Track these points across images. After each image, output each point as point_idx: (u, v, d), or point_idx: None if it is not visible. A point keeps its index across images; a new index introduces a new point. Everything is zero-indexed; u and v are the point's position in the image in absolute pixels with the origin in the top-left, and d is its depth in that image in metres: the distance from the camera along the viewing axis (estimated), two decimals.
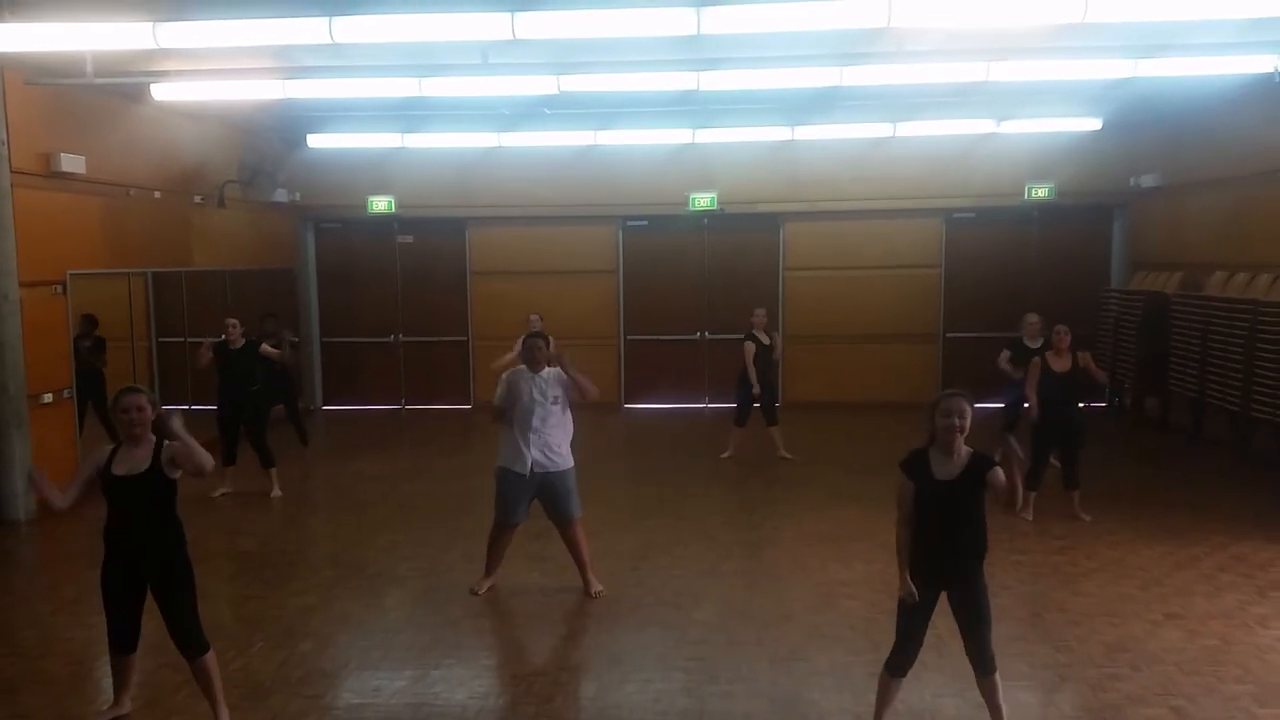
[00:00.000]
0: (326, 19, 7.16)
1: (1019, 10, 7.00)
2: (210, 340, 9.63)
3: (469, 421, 14.35)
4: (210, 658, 4.92)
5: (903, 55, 8.36)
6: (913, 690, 4.98)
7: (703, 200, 14.31)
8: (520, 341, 11.31)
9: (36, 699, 5.34)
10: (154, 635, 6.04)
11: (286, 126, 13.34)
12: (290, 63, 8.97)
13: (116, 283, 10.47)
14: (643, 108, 11.92)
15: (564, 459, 6.73)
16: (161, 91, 9.76)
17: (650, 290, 15.00)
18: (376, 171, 14.60)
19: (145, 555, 4.79)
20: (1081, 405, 8.73)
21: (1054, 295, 13.47)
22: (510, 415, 6.66)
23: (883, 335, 14.65)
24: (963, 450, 4.43)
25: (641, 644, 6.01)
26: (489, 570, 6.92)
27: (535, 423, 6.60)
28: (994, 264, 14.55)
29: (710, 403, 14.69)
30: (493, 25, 7.10)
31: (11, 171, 8.67)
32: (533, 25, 7.07)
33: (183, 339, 11.42)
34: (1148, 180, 13.46)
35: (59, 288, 9.47)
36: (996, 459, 4.40)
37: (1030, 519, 8.35)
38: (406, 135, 13.63)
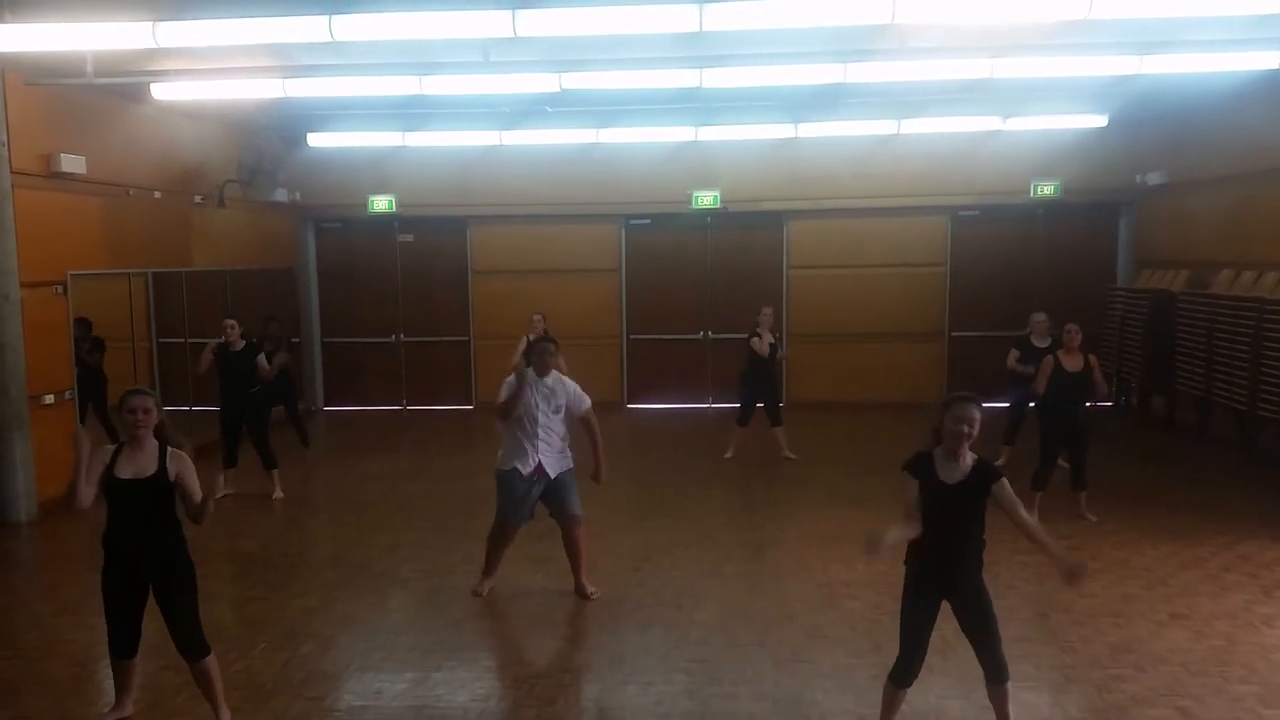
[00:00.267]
0: (326, 17, 7.13)
1: (1023, 6, 6.95)
2: (213, 342, 9.60)
3: (470, 422, 14.33)
4: (211, 660, 4.90)
5: (906, 52, 8.31)
6: (917, 692, 4.93)
7: (705, 198, 14.27)
8: (523, 342, 11.38)
9: (38, 701, 5.33)
10: (155, 637, 6.02)
11: (286, 125, 13.32)
12: (290, 61, 8.93)
13: (117, 283, 10.45)
14: (645, 105, 11.88)
15: (566, 459, 6.72)
16: (161, 91, 9.74)
17: (653, 289, 14.97)
18: (377, 170, 14.57)
19: (146, 558, 4.76)
20: (1087, 405, 8.68)
21: (1059, 293, 13.43)
22: (512, 415, 6.62)
23: (887, 334, 14.61)
24: (968, 455, 4.38)
25: (644, 645, 5.98)
26: (489, 571, 6.89)
27: (538, 428, 6.57)
28: (999, 262, 14.50)
29: (714, 402, 14.66)
30: (493, 23, 7.07)
31: (12, 172, 8.66)
32: (534, 22, 7.03)
33: (183, 339, 11.41)
34: (1154, 178, 13.41)
35: (60, 288, 9.45)
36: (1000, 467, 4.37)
37: (1035, 520, 8.31)
38: (407, 134, 13.60)
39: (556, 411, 6.64)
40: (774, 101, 11.78)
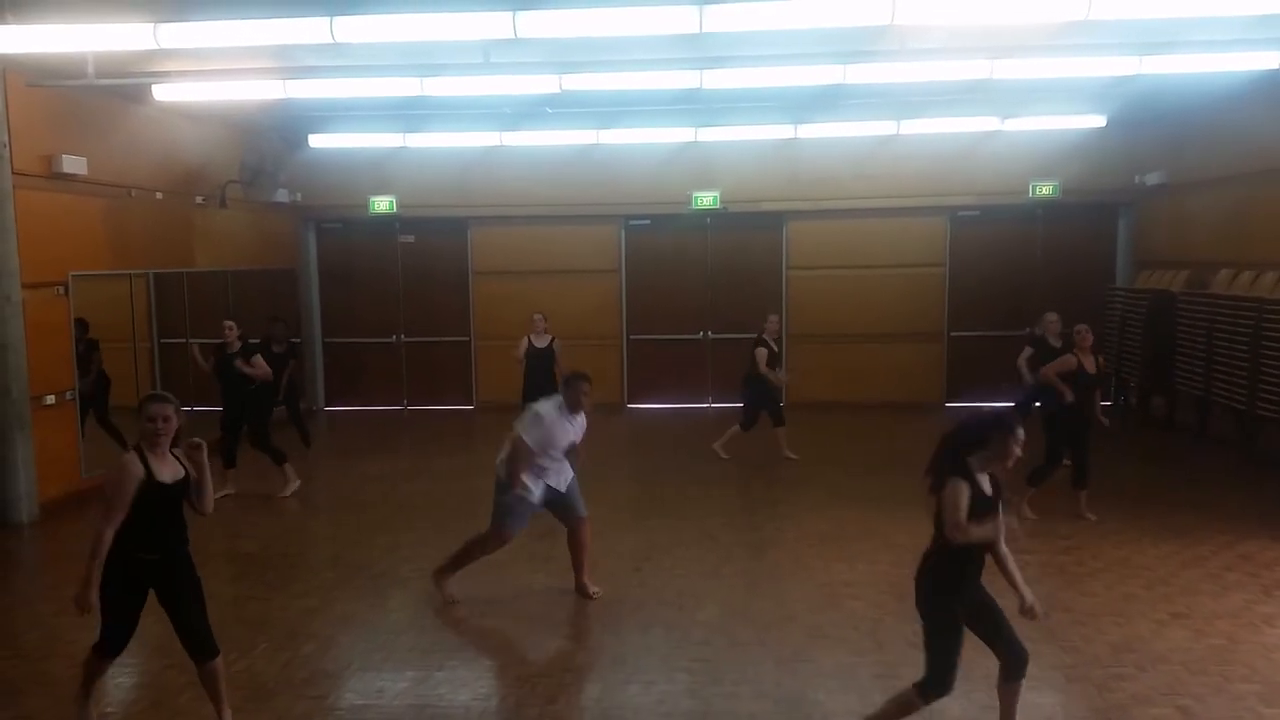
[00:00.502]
0: (328, 19, 7.14)
1: (1023, 7, 6.97)
2: (197, 344, 9.60)
3: (471, 422, 14.34)
4: (220, 661, 4.89)
5: (906, 53, 8.32)
6: None
7: (705, 199, 14.28)
8: (524, 342, 11.36)
9: (39, 701, 5.33)
10: (161, 636, 6.03)
11: (288, 126, 13.33)
12: (291, 63, 8.95)
13: (118, 284, 10.45)
14: (645, 106, 11.89)
15: (569, 469, 6.72)
16: (163, 92, 9.75)
17: (653, 290, 14.98)
18: (378, 171, 14.59)
19: (164, 560, 4.72)
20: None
21: (1059, 294, 13.43)
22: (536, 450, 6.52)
23: (887, 334, 14.61)
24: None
25: (645, 645, 5.99)
26: (453, 570, 6.77)
27: (559, 459, 6.60)
28: (999, 262, 14.52)
29: (714, 403, 14.67)
30: (494, 24, 7.08)
31: (13, 173, 8.66)
32: (534, 24, 7.05)
33: (185, 340, 11.41)
34: (1153, 178, 13.42)
35: (61, 289, 9.46)
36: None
37: (1034, 517, 8.34)
38: (408, 135, 13.62)
39: (573, 448, 6.68)
40: (774, 102, 11.79)
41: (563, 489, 6.65)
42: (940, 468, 4.35)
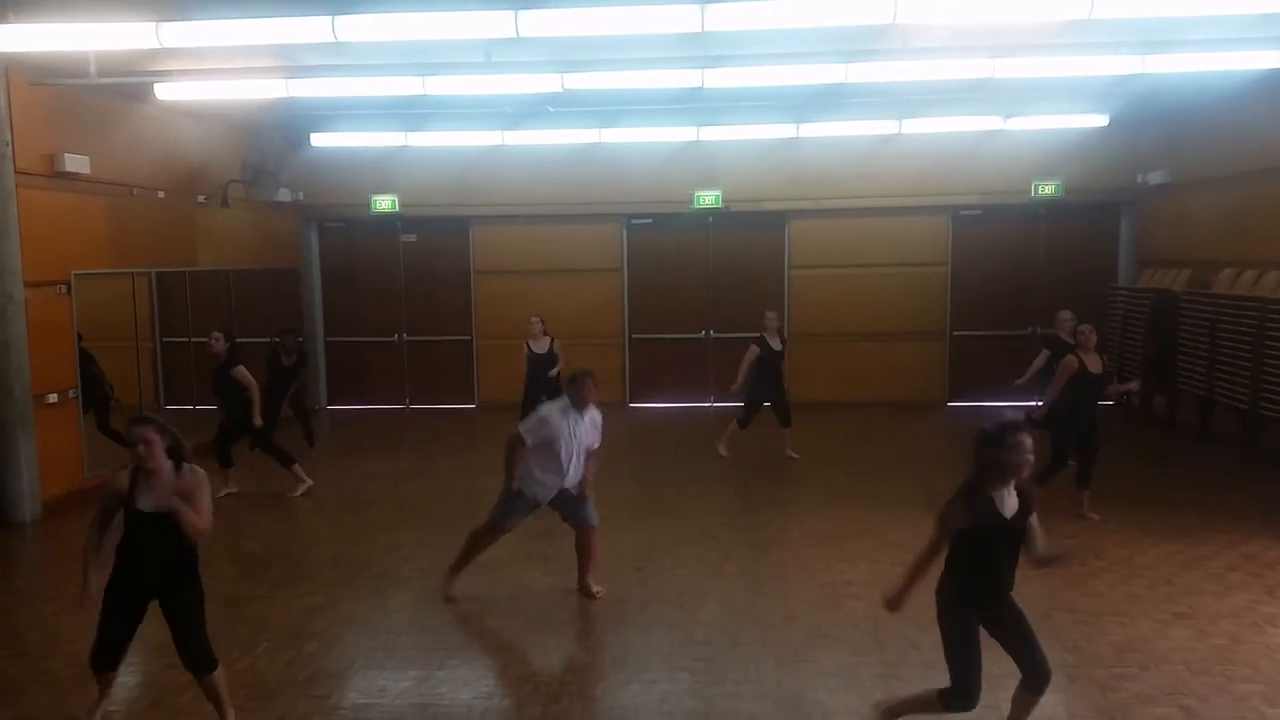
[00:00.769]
0: (329, 18, 7.15)
1: (1025, 6, 6.96)
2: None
3: (473, 421, 14.33)
4: (217, 674, 4.85)
5: (908, 52, 8.32)
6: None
7: (707, 198, 14.28)
8: (524, 347, 11.34)
9: (41, 700, 5.34)
10: (160, 635, 6.03)
11: (289, 126, 13.34)
12: (293, 62, 8.95)
13: (120, 283, 10.46)
14: (647, 105, 11.89)
15: (576, 475, 6.66)
16: (165, 91, 9.76)
17: (655, 289, 14.98)
18: (380, 170, 14.59)
19: (159, 576, 4.69)
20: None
21: (1061, 293, 13.42)
22: (536, 447, 6.50)
23: (888, 333, 14.61)
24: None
25: (647, 644, 5.99)
26: (459, 568, 6.78)
27: (570, 465, 6.53)
28: (1001, 261, 14.51)
29: (715, 402, 14.66)
30: (496, 23, 7.08)
31: (16, 172, 8.66)
32: (536, 23, 7.05)
33: (187, 339, 11.42)
34: (1155, 177, 13.41)
35: (63, 288, 9.47)
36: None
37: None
38: (410, 134, 13.62)
39: (587, 457, 6.63)
40: (776, 101, 11.79)
41: (571, 488, 6.60)
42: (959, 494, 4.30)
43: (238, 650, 5.88)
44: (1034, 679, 4.41)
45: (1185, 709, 5.03)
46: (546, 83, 9.38)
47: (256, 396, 9.40)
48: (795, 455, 10.96)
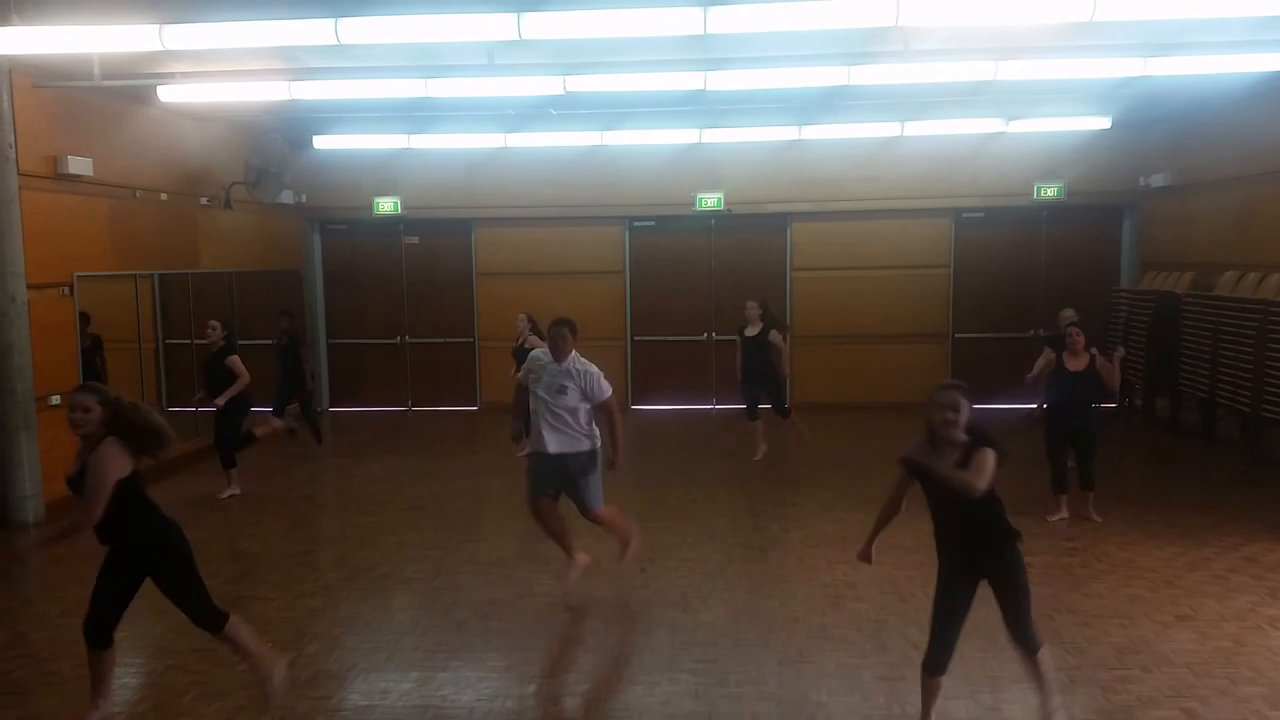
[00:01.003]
0: (332, 20, 7.16)
1: (1027, 9, 6.96)
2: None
3: (475, 423, 14.34)
4: (233, 624, 4.91)
5: (910, 54, 8.32)
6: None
7: (710, 200, 14.29)
8: (520, 322, 11.23)
9: (46, 700, 5.34)
10: (162, 636, 6.06)
11: (292, 128, 13.35)
12: (296, 64, 8.97)
13: (123, 285, 10.48)
14: (649, 108, 11.90)
15: (580, 440, 6.55)
16: (168, 94, 9.77)
17: (657, 291, 14.98)
18: (382, 172, 14.61)
19: (129, 550, 4.74)
20: (1095, 406, 8.63)
21: (1063, 295, 13.37)
22: (528, 396, 6.64)
23: (891, 335, 14.61)
24: (960, 440, 4.40)
25: (649, 646, 5.99)
26: (562, 545, 6.75)
27: (547, 411, 6.53)
28: (1003, 264, 14.51)
29: (718, 404, 14.67)
30: (499, 26, 7.09)
31: (19, 174, 8.68)
32: (539, 25, 7.06)
33: (189, 341, 11.43)
34: (1157, 180, 13.40)
35: (66, 289, 9.49)
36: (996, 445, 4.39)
37: (1065, 516, 8.37)
38: (412, 136, 13.64)
39: (561, 392, 6.48)
40: (778, 104, 11.79)
41: (550, 450, 6.51)
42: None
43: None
44: (1017, 642, 4.61)
45: (1187, 711, 5.02)
46: (549, 85, 9.39)
47: (242, 389, 9.42)
48: (805, 436, 11.02)
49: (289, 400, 11.52)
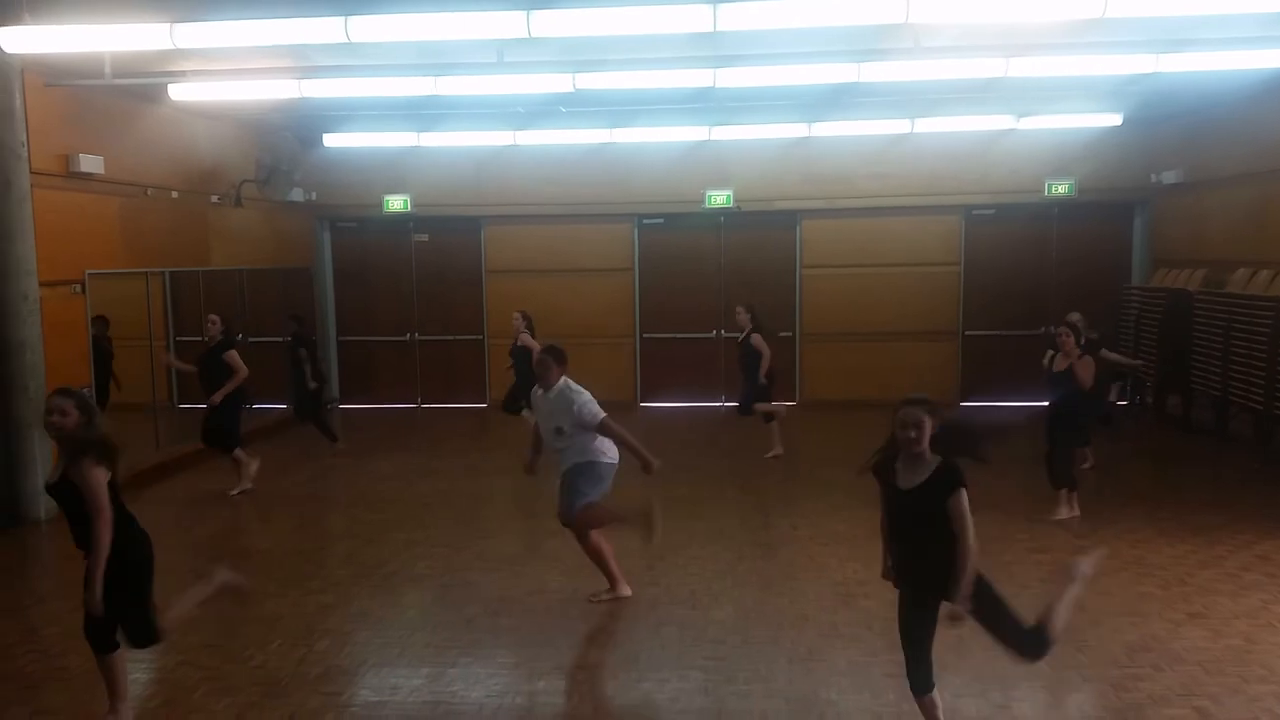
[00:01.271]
0: (342, 18, 7.18)
1: (1038, 5, 6.94)
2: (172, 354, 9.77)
3: (485, 420, 14.36)
4: (110, 659, 4.82)
5: (921, 51, 8.30)
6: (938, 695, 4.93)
7: (719, 198, 14.28)
8: (516, 320, 11.18)
9: (58, 696, 5.37)
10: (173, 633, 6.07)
11: (302, 126, 13.38)
12: (306, 62, 8.99)
13: (134, 282, 10.52)
14: (658, 105, 11.89)
15: (582, 454, 6.51)
16: (178, 92, 9.82)
17: (666, 288, 14.97)
18: (392, 170, 14.64)
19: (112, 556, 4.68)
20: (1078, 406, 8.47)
21: (1074, 292, 13.38)
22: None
23: (901, 333, 14.57)
24: (928, 457, 4.33)
25: (659, 643, 5.99)
26: (607, 575, 6.71)
27: (557, 448, 6.50)
28: (1014, 261, 14.46)
29: (726, 401, 14.65)
30: (508, 23, 7.10)
31: (31, 172, 8.71)
32: (548, 23, 7.06)
33: (200, 338, 11.45)
34: (1169, 176, 13.34)
35: (78, 287, 9.53)
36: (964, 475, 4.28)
37: (1076, 514, 8.35)
38: (422, 134, 13.66)
39: (558, 434, 6.42)
40: (788, 101, 11.76)
41: (566, 463, 6.52)
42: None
43: (251, 647, 5.92)
44: (1017, 659, 4.54)
45: (1199, 709, 5.00)
46: (558, 83, 9.40)
47: (238, 384, 9.46)
48: (775, 454, 11.00)
49: (299, 401, 11.62)
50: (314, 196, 14.41)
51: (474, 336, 15.26)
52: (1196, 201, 13.02)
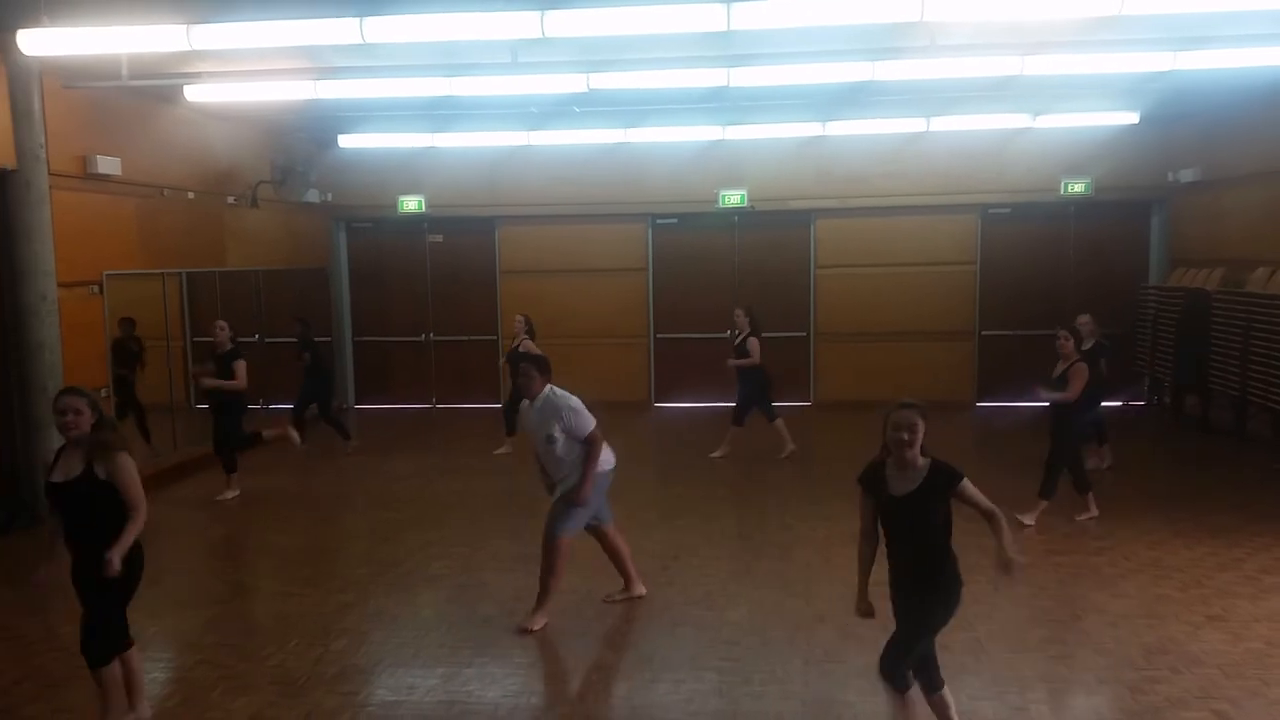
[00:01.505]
0: (357, 19, 7.19)
1: (1054, 2, 6.89)
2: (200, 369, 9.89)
3: (499, 420, 14.35)
4: (102, 673, 4.78)
5: (936, 49, 8.26)
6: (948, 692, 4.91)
7: (733, 197, 14.26)
8: (518, 323, 11.16)
9: (78, 694, 5.40)
10: (190, 632, 6.14)
11: (318, 127, 13.44)
12: (321, 63, 9.02)
13: (151, 283, 10.58)
14: (672, 105, 11.87)
15: (579, 468, 6.19)
16: (195, 93, 9.86)
17: (680, 288, 14.96)
18: (407, 171, 14.68)
19: (83, 559, 4.70)
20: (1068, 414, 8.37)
21: (1092, 292, 13.31)
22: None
23: (917, 333, 14.52)
24: (920, 462, 4.31)
25: (673, 644, 5.99)
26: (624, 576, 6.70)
27: (551, 462, 6.29)
28: (1030, 260, 14.38)
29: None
30: (522, 23, 7.10)
31: (49, 173, 8.77)
32: (562, 23, 7.06)
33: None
34: (1186, 175, 13.25)
35: (95, 288, 9.59)
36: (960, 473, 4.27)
37: (1095, 515, 8.31)
38: (436, 134, 13.68)
39: (550, 443, 6.14)
40: (802, 100, 11.73)
41: (564, 485, 6.36)
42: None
43: (269, 646, 5.94)
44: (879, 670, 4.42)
45: (1218, 713, 4.96)
46: (572, 83, 9.40)
47: (235, 391, 9.48)
48: (719, 455, 11.07)
49: (308, 402, 11.66)
50: (329, 197, 14.46)
51: (488, 337, 15.28)
52: (1214, 200, 12.92)
